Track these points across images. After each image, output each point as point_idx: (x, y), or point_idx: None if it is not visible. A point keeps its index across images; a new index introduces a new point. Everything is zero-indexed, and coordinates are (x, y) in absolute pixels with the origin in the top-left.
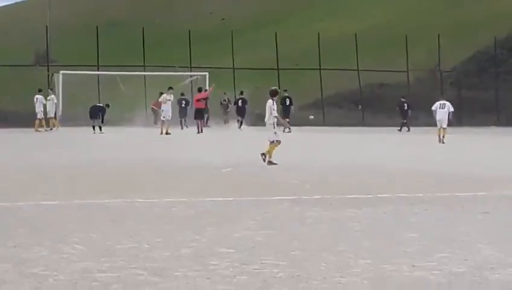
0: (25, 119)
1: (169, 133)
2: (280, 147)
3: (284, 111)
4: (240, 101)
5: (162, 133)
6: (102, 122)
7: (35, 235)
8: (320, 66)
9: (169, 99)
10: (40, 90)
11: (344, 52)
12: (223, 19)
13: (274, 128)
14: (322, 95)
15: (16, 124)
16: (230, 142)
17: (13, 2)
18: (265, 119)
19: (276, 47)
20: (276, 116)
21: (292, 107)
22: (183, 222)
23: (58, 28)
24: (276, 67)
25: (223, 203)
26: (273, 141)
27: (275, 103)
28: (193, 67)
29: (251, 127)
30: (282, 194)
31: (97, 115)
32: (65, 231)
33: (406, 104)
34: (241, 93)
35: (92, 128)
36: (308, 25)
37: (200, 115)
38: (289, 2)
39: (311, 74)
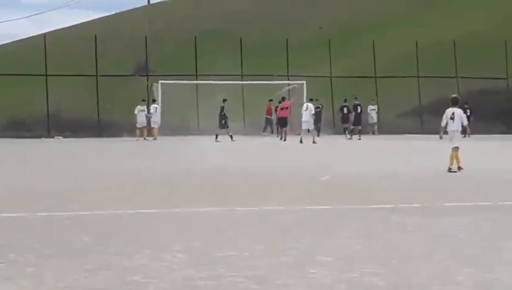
0: (125, 128)
1: (315, 143)
2: (374, 155)
3: (356, 119)
4: (345, 108)
5: (302, 142)
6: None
7: (135, 243)
8: (418, 73)
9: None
10: (143, 100)
11: (442, 59)
12: (320, 27)
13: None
14: (420, 102)
15: (115, 134)
16: (332, 152)
17: (112, 12)
18: (453, 128)
19: (374, 54)
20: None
21: (362, 114)
22: (282, 230)
23: (157, 38)
24: (373, 75)
25: (321, 212)
26: (456, 147)
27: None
28: (290, 76)
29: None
30: (380, 202)
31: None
32: (165, 239)
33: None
34: (345, 101)
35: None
36: (405, 32)
37: (284, 123)
38: (386, 10)
39: (408, 81)
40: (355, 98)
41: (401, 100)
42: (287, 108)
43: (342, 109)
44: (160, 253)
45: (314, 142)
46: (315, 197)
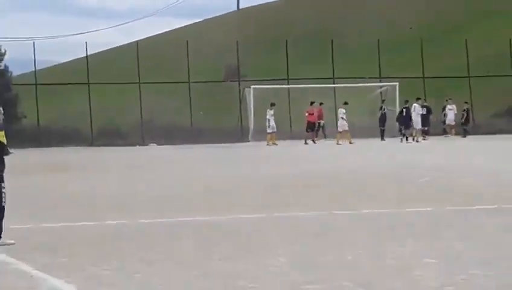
0: (217, 134)
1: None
2: (471, 155)
3: (424, 120)
4: (405, 110)
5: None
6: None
7: (238, 248)
8: None
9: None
10: (273, 105)
11: None
12: (410, 28)
13: None
14: None
15: (209, 140)
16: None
17: (202, 18)
18: None
19: (467, 54)
20: None
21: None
22: (384, 233)
23: (247, 43)
24: (467, 75)
25: (422, 214)
26: None
27: None
28: (382, 77)
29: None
30: (482, 203)
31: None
32: (268, 244)
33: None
34: (406, 102)
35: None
36: (498, 31)
37: (311, 127)
38: (477, 9)
39: (503, 80)
40: (407, 100)
41: (495, 100)
42: (313, 114)
43: (401, 112)
44: (264, 258)
45: (416, 140)
46: (415, 200)
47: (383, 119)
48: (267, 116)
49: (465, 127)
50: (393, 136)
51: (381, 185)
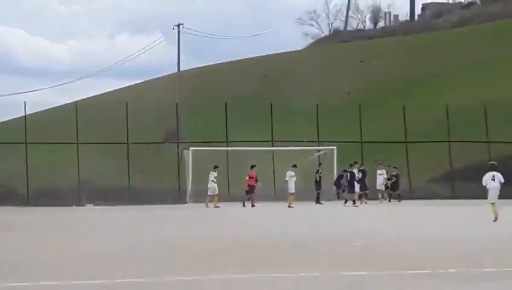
0: (154, 195)
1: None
2: (406, 220)
3: (362, 184)
4: (348, 174)
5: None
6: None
7: None
8: (449, 138)
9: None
10: (216, 167)
11: (473, 124)
12: (348, 93)
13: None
14: (450, 167)
15: (146, 201)
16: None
17: (143, 80)
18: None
19: (404, 120)
20: None
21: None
22: None
23: (187, 105)
24: (404, 140)
25: (357, 279)
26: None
27: None
28: (321, 141)
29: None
30: (417, 268)
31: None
32: None
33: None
34: (350, 166)
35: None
36: (436, 98)
37: (251, 190)
38: (417, 75)
39: (439, 146)
40: (354, 163)
41: (432, 165)
42: (253, 177)
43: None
44: None
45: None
46: (350, 264)
47: (319, 183)
48: (210, 178)
49: (392, 192)
50: (330, 200)
51: (316, 248)
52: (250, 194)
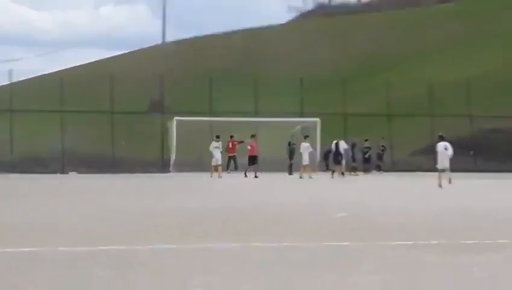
0: (138, 164)
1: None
2: (390, 191)
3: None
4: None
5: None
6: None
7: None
8: (432, 112)
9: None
10: (217, 137)
11: (456, 99)
12: (333, 67)
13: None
14: (433, 140)
15: (129, 170)
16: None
17: (128, 50)
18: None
19: (387, 94)
20: None
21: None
22: (298, 267)
23: (172, 76)
24: (386, 113)
25: (339, 248)
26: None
27: None
28: (304, 113)
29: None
30: (399, 239)
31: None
32: (184, 275)
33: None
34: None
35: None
36: (420, 72)
37: (252, 160)
38: (401, 49)
39: (422, 120)
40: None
41: (414, 139)
42: (254, 147)
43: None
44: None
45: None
46: (332, 234)
47: (291, 154)
48: (211, 148)
49: (380, 163)
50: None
51: (300, 219)
52: (253, 165)
